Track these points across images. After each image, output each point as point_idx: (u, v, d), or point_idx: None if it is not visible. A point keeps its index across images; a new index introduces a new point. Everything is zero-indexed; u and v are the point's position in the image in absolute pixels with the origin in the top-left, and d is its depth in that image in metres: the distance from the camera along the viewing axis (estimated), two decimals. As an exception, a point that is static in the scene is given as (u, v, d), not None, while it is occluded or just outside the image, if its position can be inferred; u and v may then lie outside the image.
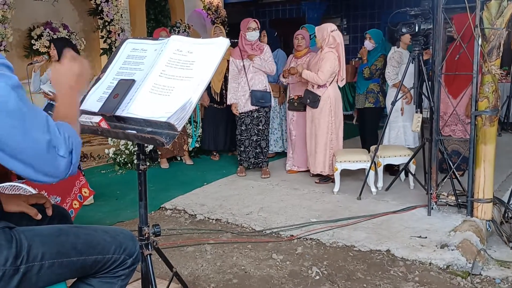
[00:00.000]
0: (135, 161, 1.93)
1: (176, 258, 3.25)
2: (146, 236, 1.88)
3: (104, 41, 7.14)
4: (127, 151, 5.59)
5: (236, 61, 5.11)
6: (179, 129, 1.52)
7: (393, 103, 4.33)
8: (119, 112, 1.65)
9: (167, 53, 1.75)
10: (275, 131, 6.00)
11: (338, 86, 4.86)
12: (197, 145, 6.11)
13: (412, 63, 4.08)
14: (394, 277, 2.94)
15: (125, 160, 5.63)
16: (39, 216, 1.64)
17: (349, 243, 3.39)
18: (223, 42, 1.69)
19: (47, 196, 1.94)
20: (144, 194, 1.87)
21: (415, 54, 4.04)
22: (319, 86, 4.74)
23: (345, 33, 10.67)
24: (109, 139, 5.55)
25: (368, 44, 5.10)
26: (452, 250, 3.13)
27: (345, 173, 4.65)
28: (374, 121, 5.27)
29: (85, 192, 3.27)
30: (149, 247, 1.90)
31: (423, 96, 4.25)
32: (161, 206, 4.35)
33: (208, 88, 5.73)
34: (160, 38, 1.90)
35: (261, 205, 4.25)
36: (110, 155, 5.71)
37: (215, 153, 6.22)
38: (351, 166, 4.55)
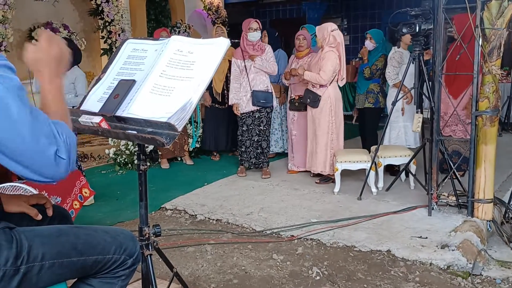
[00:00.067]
0: (136, 162, 1.93)
1: (177, 258, 3.25)
2: (147, 236, 1.88)
3: (105, 42, 7.14)
4: (127, 152, 5.60)
5: (238, 62, 5.11)
6: (180, 129, 1.52)
7: (394, 103, 4.33)
8: (119, 113, 1.65)
9: (167, 54, 1.75)
10: (276, 132, 6.00)
11: (338, 86, 4.86)
12: (198, 146, 6.12)
13: (413, 63, 4.08)
14: (395, 278, 2.94)
15: (126, 160, 5.63)
16: (40, 217, 1.64)
17: (349, 244, 3.39)
18: (224, 42, 1.69)
19: (47, 197, 1.95)
20: (144, 195, 1.87)
21: (415, 54, 4.04)
22: (319, 86, 4.74)
23: (345, 33, 10.68)
24: (110, 139, 5.55)
25: (369, 44, 5.10)
26: (453, 250, 3.13)
27: (345, 173, 4.65)
28: (374, 121, 5.27)
29: (86, 193, 3.27)
30: (150, 247, 1.90)
31: (423, 96, 4.25)
32: (162, 206, 4.35)
33: (210, 88, 5.73)
34: (160, 38, 1.90)
35: (261, 206, 4.25)
36: (111, 155, 5.71)
37: (215, 153, 6.22)
38: (352, 166, 4.55)
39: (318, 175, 4.97)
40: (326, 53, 4.66)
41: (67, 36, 6.80)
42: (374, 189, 4.45)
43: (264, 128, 5.16)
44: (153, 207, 4.28)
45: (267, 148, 5.27)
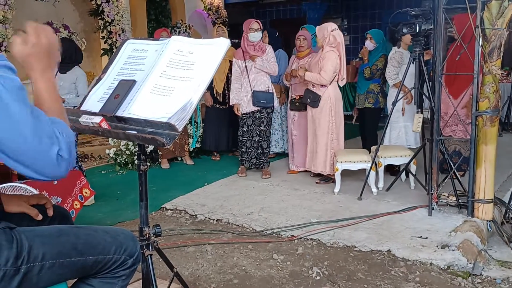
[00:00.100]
0: (136, 162, 1.93)
1: (177, 258, 3.25)
2: (147, 236, 1.89)
3: (105, 42, 7.14)
4: (127, 152, 5.60)
5: (239, 62, 5.12)
6: (180, 129, 1.52)
7: (394, 103, 4.33)
8: (119, 113, 1.65)
9: (167, 54, 1.75)
10: (276, 132, 6.01)
11: (339, 85, 4.86)
12: (198, 146, 6.12)
13: (413, 64, 4.08)
14: (395, 278, 2.94)
15: (126, 160, 5.64)
16: (40, 217, 1.64)
17: (349, 244, 3.39)
18: (224, 43, 1.69)
19: (48, 197, 1.95)
20: (144, 195, 1.88)
21: (415, 55, 4.04)
22: (320, 86, 4.74)
23: (345, 34, 10.68)
24: (110, 139, 5.55)
25: (369, 44, 5.10)
26: (453, 250, 3.13)
27: (345, 173, 4.65)
28: (374, 122, 5.27)
29: (86, 193, 3.28)
30: (150, 247, 1.90)
31: (423, 97, 4.25)
32: (162, 206, 4.35)
33: (211, 88, 5.74)
34: (161, 38, 1.90)
35: (261, 206, 4.26)
36: (111, 155, 5.71)
37: (215, 154, 6.22)
38: (352, 167, 4.55)
39: (318, 175, 4.97)
40: (327, 53, 4.66)
41: (68, 36, 6.79)
42: (374, 189, 4.45)
43: (265, 129, 5.16)
44: (154, 207, 4.28)
45: (268, 149, 5.27)
